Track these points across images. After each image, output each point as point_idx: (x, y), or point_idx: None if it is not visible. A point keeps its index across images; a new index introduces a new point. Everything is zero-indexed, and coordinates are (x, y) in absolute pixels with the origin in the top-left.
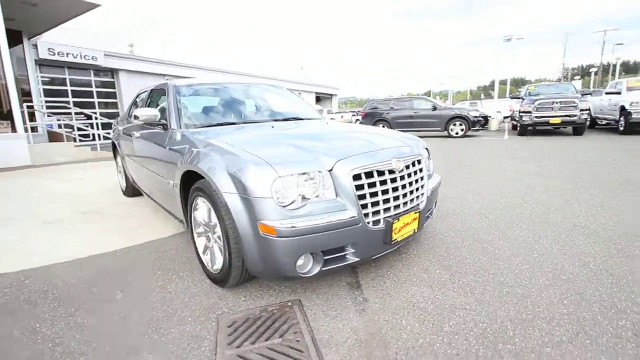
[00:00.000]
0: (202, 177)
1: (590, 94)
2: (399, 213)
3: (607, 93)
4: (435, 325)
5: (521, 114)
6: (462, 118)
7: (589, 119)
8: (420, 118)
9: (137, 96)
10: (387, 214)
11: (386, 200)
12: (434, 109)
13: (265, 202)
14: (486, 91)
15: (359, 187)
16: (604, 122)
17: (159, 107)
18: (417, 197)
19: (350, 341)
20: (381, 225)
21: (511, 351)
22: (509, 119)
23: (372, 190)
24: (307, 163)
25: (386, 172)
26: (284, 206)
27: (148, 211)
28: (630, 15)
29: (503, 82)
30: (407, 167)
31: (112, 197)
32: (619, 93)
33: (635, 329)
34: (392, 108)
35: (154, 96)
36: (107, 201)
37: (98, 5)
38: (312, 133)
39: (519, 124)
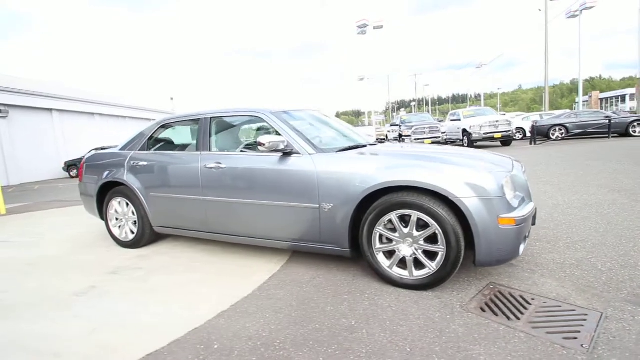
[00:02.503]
0: (382, 195)
1: (442, 120)
2: None
3: (451, 120)
4: (593, 266)
5: (403, 137)
6: None
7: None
8: None
9: (162, 126)
10: None
11: None
12: None
13: (502, 200)
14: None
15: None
16: (449, 141)
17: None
18: None
19: (569, 286)
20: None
21: (618, 254)
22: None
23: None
24: (505, 168)
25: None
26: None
27: (197, 256)
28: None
29: (345, 113)
30: None
31: (115, 252)
32: (459, 120)
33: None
34: None
35: (205, 125)
36: (118, 257)
37: None
38: (447, 148)
39: None
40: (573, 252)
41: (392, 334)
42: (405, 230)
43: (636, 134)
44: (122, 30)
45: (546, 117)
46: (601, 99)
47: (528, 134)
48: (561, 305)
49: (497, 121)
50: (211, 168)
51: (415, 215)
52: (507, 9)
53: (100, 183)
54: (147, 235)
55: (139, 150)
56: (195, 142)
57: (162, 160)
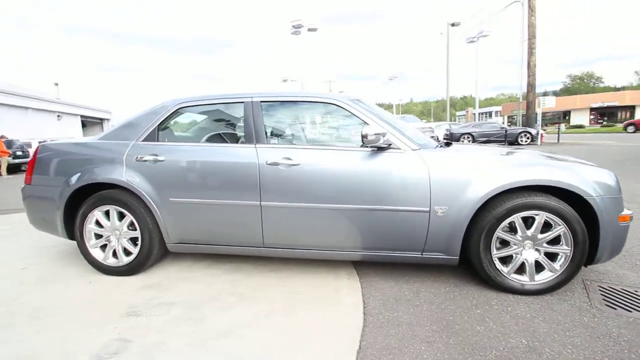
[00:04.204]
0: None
1: None
2: None
3: None
4: None
5: None
6: None
7: None
8: None
9: (180, 109)
10: None
11: None
12: None
13: (621, 198)
14: None
15: None
16: None
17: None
18: None
19: None
20: None
21: None
22: None
23: None
24: None
25: None
26: None
27: (233, 278)
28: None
29: None
30: None
31: (104, 282)
32: None
33: None
34: None
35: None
36: (116, 290)
37: None
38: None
39: None
40: None
41: (577, 349)
42: (529, 233)
43: (523, 143)
44: None
45: (454, 126)
46: (474, 114)
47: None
48: None
49: (422, 128)
50: (276, 165)
51: (543, 216)
52: (409, 29)
53: (76, 186)
54: (153, 256)
55: (145, 140)
56: (233, 130)
57: (192, 154)
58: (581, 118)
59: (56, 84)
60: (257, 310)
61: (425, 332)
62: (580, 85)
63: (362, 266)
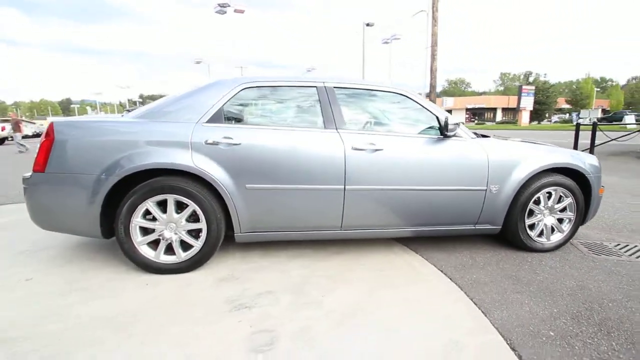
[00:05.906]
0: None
1: None
2: None
3: None
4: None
5: None
6: None
7: None
8: None
9: (245, 89)
10: None
11: None
12: None
13: (601, 177)
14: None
15: None
16: None
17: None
18: None
19: (602, 233)
20: None
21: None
22: None
23: None
24: None
25: None
26: None
27: (303, 263)
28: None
29: (152, 97)
30: None
31: (160, 283)
32: None
33: None
34: None
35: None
36: (185, 289)
37: None
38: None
39: None
40: None
41: (605, 282)
42: (549, 204)
43: None
44: None
45: None
46: None
47: None
48: (625, 243)
49: None
50: (362, 150)
51: (559, 191)
52: (328, 24)
53: (124, 173)
54: (217, 247)
55: (210, 121)
56: (302, 115)
57: (273, 138)
58: (459, 117)
59: None
60: (359, 289)
61: (509, 286)
62: (455, 89)
63: (407, 242)
